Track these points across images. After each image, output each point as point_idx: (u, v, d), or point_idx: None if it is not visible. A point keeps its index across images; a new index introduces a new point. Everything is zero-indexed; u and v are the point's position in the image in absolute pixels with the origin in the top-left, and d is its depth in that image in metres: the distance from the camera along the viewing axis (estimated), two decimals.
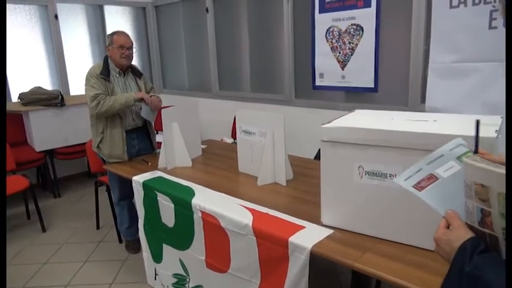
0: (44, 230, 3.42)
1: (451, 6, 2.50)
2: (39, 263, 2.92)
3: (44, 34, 4.41)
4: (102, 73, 2.67)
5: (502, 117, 1.41)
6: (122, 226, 3.00)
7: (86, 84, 2.68)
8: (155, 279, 2.37)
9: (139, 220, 2.33)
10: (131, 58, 2.79)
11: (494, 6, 2.35)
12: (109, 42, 2.73)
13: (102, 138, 2.72)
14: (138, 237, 2.47)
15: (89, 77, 2.67)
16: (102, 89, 2.63)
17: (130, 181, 2.32)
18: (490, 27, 2.38)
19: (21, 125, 4.09)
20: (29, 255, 3.05)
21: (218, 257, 1.84)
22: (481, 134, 1.20)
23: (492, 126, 1.26)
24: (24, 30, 4.27)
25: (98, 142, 2.75)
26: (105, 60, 2.75)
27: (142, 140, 2.89)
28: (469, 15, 2.44)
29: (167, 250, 2.19)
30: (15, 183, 3.28)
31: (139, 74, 2.91)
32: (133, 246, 2.95)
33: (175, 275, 2.18)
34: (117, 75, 2.76)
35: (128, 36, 2.79)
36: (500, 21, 2.34)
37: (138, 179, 2.24)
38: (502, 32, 2.34)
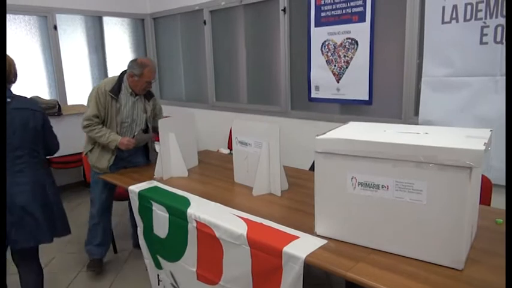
0: None
1: (443, 22, 2.57)
2: None
3: (43, 44, 4.45)
4: (112, 90, 2.59)
5: (491, 131, 1.45)
6: (92, 242, 2.86)
7: (90, 95, 2.64)
8: (158, 284, 2.36)
9: (138, 228, 2.33)
10: None
11: (485, 23, 2.41)
12: (137, 73, 2.57)
13: (93, 148, 2.73)
14: (102, 258, 2.87)
15: (96, 91, 2.60)
16: (101, 110, 2.58)
17: (113, 194, 2.42)
18: (481, 43, 2.44)
19: None
20: None
21: (210, 268, 1.85)
22: (470, 147, 1.24)
23: (481, 139, 1.29)
24: (23, 40, 4.31)
25: (88, 150, 2.76)
26: (120, 77, 2.66)
27: (136, 154, 2.84)
28: (460, 31, 2.51)
29: (161, 261, 2.20)
30: None
31: (150, 95, 2.82)
32: (98, 264, 2.86)
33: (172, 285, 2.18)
34: (129, 95, 2.68)
35: (156, 68, 2.71)
36: (490, 37, 2.41)
37: (134, 189, 2.25)
38: (492, 47, 2.40)
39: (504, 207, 1.80)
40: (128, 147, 2.64)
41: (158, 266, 2.29)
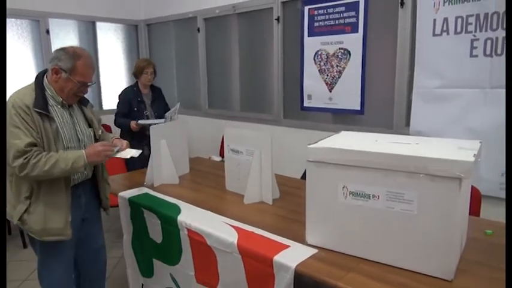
0: (24, 246, 3.35)
1: (434, 34, 2.61)
2: (18, 280, 2.85)
3: (34, 48, 4.42)
4: (37, 105, 1.68)
5: (480, 142, 1.47)
6: None
7: (8, 124, 1.65)
8: None
9: (125, 236, 2.30)
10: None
11: (475, 36, 2.45)
12: (66, 67, 1.73)
13: (29, 206, 1.73)
14: None
15: (14, 111, 1.65)
16: (35, 136, 1.66)
17: (70, 256, 1.92)
18: (471, 56, 2.48)
19: None
20: (8, 272, 2.97)
21: (207, 273, 1.84)
22: (459, 158, 1.25)
23: (471, 151, 1.31)
24: (15, 44, 4.28)
25: (21, 212, 1.73)
26: (39, 84, 1.78)
27: (91, 197, 2.04)
28: (451, 43, 2.55)
29: (157, 265, 2.17)
30: None
31: (84, 101, 1.98)
32: None
33: None
34: (59, 106, 1.80)
35: (93, 65, 1.85)
36: (480, 50, 2.45)
37: (125, 195, 2.23)
38: (482, 60, 2.44)
39: (493, 219, 1.83)
40: (106, 156, 1.82)
41: (147, 274, 2.25)
